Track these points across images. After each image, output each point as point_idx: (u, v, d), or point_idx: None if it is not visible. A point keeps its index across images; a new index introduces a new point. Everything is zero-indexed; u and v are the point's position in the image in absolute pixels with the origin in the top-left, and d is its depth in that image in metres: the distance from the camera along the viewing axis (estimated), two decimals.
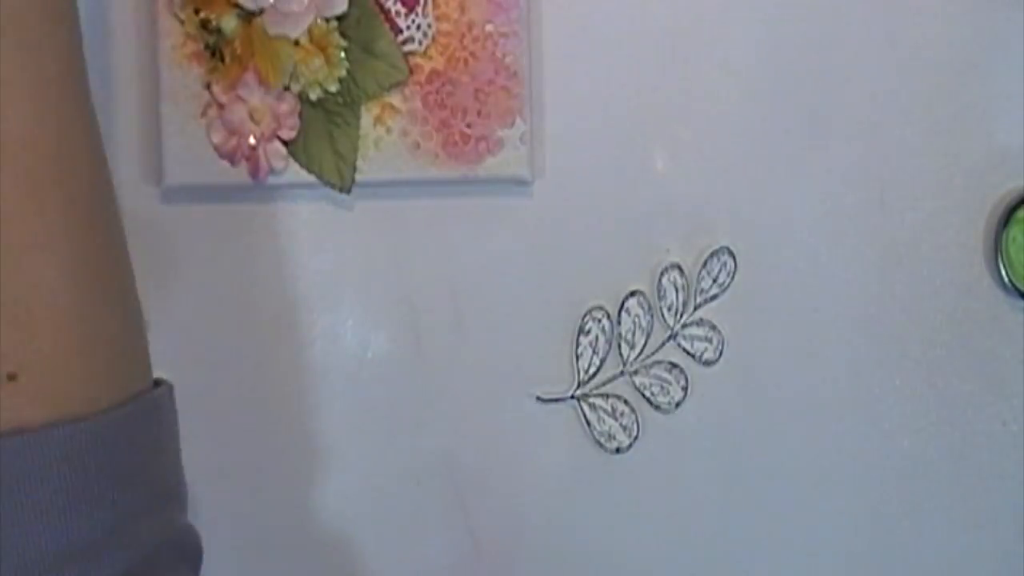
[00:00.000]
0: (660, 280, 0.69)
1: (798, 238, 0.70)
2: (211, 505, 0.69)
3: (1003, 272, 0.69)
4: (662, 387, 0.69)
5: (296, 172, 0.67)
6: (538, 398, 0.69)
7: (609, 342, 0.69)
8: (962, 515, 0.70)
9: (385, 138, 0.67)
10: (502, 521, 0.70)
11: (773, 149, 0.70)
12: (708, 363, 0.69)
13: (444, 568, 0.70)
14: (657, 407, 0.69)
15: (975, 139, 0.70)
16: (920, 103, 0.70)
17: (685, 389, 0.69)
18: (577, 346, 0.69)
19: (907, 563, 0.69)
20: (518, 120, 0.67)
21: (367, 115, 0.67)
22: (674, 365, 0.69)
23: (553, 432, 0.69)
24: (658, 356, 0.69)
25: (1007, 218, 0.69)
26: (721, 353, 0.69)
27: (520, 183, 0.68)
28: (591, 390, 0.69)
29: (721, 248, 0.69)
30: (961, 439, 0.70)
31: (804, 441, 0.70)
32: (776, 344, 0.70)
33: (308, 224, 0.69)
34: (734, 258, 0.69)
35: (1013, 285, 0.69)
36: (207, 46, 0.67)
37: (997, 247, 0.69)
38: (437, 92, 0.67)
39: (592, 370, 0.69)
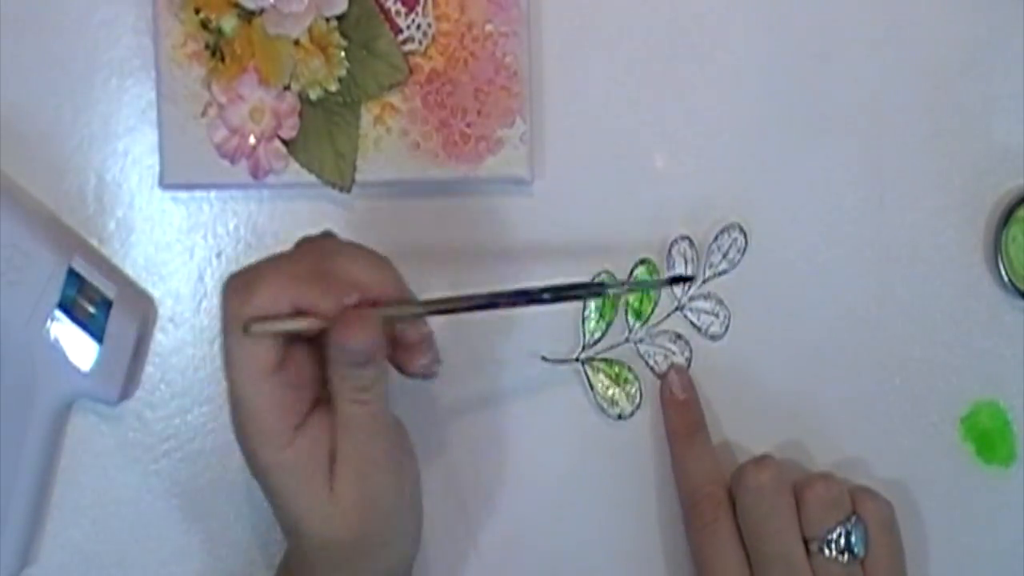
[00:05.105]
0: (670, 251, 0.69)
1: (797, 239, 0.70)
2: (211, 503, 0.69)
3: (1003, 272, 0.69)
4: (666, 356, 0.69)
5: (296, 172, 0.67)
6: (543, 357, 0.69)
7: (616, 309, 0.69)
8: (963, 515, 0.70)
9: (385, 138, 0.67)
10: (502, 521, 0.70)
11: (773, 149, 0.70)
12: (714, 337, 0.69)
13: (445, 566, 0.70)
14: (660, 376, 0.69)
15: (975, 139, 0.70)
16: (920, 103, 0.70)
17: (689, 361, 0.69)
18: (584, 309, 0.69)
19: (909, 562, 0.69)
20: (518, 120, 0.67)
21: (367, 115, 0.67)
22: (679, 336, 0.69)
23: (556, 400, 0.69)
24: (664, 326, 0.69)
25: (1007, 218, 0.69)
26: (727, 328, 0.69)
27: (520, 183, 0.68)
28: (595, 353, 0.69)
29: (732, 224, 0.69)
30: (961, 439, 0.70)
31: (803, 438, 0.70)
32: (778, 342, 0.70)
33: (308, 224, 0.69)
34: (744, 235, 0.69)
35: (1013, 285, 0.69)
36: (207, 46, 0.67)
37: (997, 247, 0.69)
38: (437, 92, 0.67)
39: (598, 335, 0.69)
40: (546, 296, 0.61)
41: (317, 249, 0.60)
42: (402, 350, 0.61)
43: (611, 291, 0.67)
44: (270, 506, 0.60)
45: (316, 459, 0.58)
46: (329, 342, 0.57)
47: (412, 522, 0.62)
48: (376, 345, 0.57)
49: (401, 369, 0.61)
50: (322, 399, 0.59)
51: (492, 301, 0.61)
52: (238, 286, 0.58)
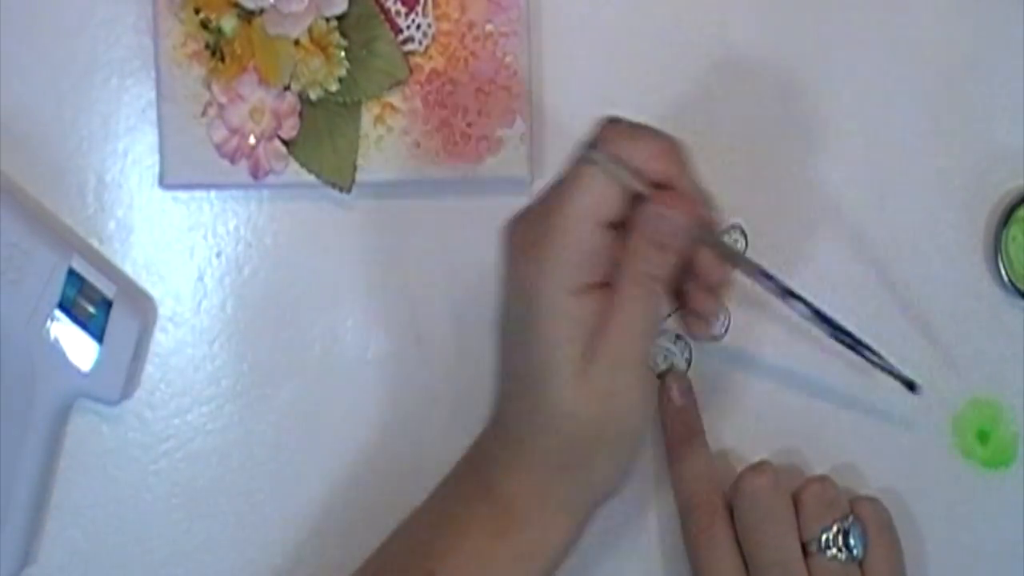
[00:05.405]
0: None
1: (797, 239, 0.70)
2: (211, 503, 0.69)
3: (1003, 272, 0.69)
4: (665, 356, 0.69)
5: (296, 172, 0.67)
6: None
7: None
8: (962, 515, 0.70)
9: (385, 138, 0.67)
10: None
11: (772, 149, 0.70)
12: (714, 338, 0.69)
13: None
14: (660, 376, 0.69)
15: (975, 139, 0.70)
16: (920, 103, 0.70)
17: (689, 361, 0.69)
18: None
19: (908, 564, 0.69)
20: (518, 120, 0.67)
21: (367, 115, 0.67)
22: (679, 336, 0.69)
23: None
24: (664, 326, 0.69)
25: (1007, 218, 0.69)
26: (727, 330, 0.69)
27: (520, 183, 0.68)
28: None
29: (733, 225, 0.69)
30: (961, 439, 0.70)
31: (801, 437, 0.70)
32: (777, 343, 0.70)
33: (308, 224, 0.69)
34: (745, 236, 0.69)
35: (1013, 285, 0.69)
36: (207, 46, 0.67)
37: (997, 247, 0.69)
38: (437, 92, 0.67)
39: None
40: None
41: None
42: (700, 290, 0.61)
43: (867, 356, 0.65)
44: (510, 370, 0.60)
45: (586, 326, 0.58)
46: (644, 213, 0.58)
47: (631, 448, 0.61)
48: (687, 229, 0.58)
49: (685, 307, 0.62)
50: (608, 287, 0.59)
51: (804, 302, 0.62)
52: (629, 130, 0.58)
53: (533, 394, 0.58)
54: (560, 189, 0.58)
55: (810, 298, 0.62)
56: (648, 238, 0.58)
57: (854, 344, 0.63)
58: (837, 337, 0.63)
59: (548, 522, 0.60)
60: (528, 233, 0.59)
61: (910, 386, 0.65)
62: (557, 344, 0.57)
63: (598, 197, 0.57)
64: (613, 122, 0.59)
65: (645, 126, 0.60)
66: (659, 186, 0.58)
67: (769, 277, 0.61)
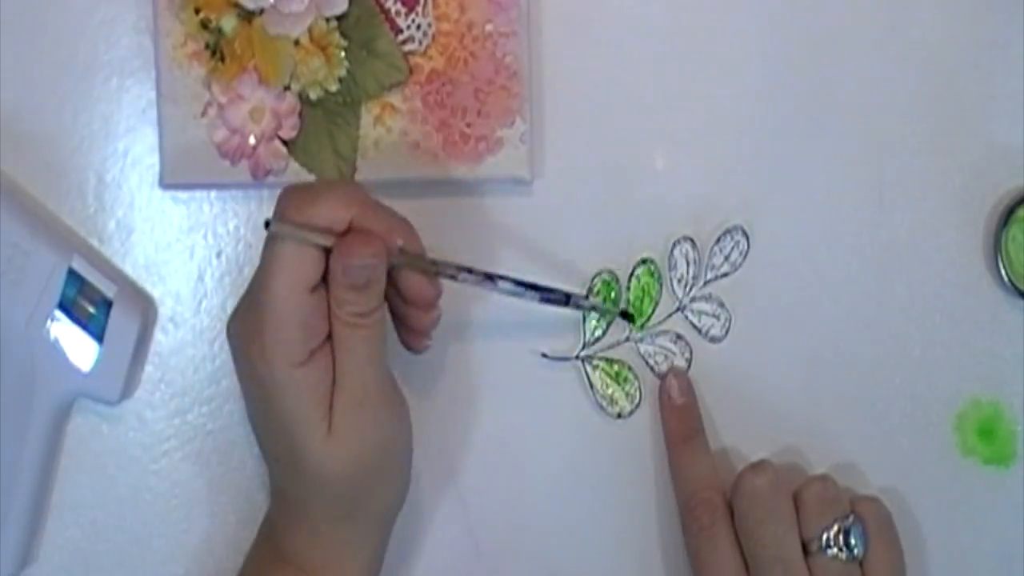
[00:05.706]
0: (672, 251, 0.69)
1: (798, 241, 0.70)
2: (211, 504, 0.69)
3: (1003, 272, 0.69)
4: (666, 356, 0.69)
5: (296, 172, 0.67)
6: (543, 354, 0.69)
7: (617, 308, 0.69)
8: (962, 515, 0.70)
9: (385, 138, 0.67)
10: (501, 518, 0.70)
11: (772, 149, 0.70)
12: (714, 339, 0.69)
13: (444, 563, 0.70)
14: (660, 376, 0.69)
15: (975, 139, 0.70)
16: (920, 103, 0.70)
17: (689, 362, 0.69)
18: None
19: (908, 563, 0.69)
20: (518, 120, 0.67)
21: (367, 115, 0.67)
22: (679, 336, 0.69)
23: (555, 398, 0.69)
24: (665, 326, 0.69)
25: (1007, 218, 0.69)
26: (728, 332, 0.69)
27: (520, 183, 0.68)
28: (596, 352, 0.69)
29: (735, 226, 0.69)
30: (961, 438, 0.70)
31: (802, 441, 0.70)
32: (778, 345, 0.70)
33: None
34: (747, 237, 0.69)
35: (1013, 285, 0.69)
36: (207, 46, 0.67)
37: (997, 247, 0.69)
38: (437, 92, 0.67)
39: (599, 333, 0.69)
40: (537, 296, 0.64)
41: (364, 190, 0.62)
42: (411, 307, 0.63)
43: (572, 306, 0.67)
44: (268, 452, 0.62)
45: (321, 388, 0.59)
46: (331, 261, 0.59)
47: (403, 467, 0.63)
48: (375, 266, 0.59)
49: (403, 326, 0.63)
50: (330, 339, 0.60)
51: (490, 277, 0.63)
52: (301, 193, 0.60)
53: (292, 465, 0.60)
54: (261, 274, 0.59)
55: (513, 274, 0.64)
56: (344, 285, 0.59)
57: (566, 301, 0.65)
58: (548, 300, 0.65)
59: (344, 566, 0.62)
60: (245, 324, 0.60)
61: (628, 317, 0.68)
62: (298, 417, 0.59)
63: (295, 267, 0.59)
64: (287, 191, 0.61)
65: (318, 183, 0.64)
66: (349, 232, 0.60)
67: (469, 271, 0.63)
